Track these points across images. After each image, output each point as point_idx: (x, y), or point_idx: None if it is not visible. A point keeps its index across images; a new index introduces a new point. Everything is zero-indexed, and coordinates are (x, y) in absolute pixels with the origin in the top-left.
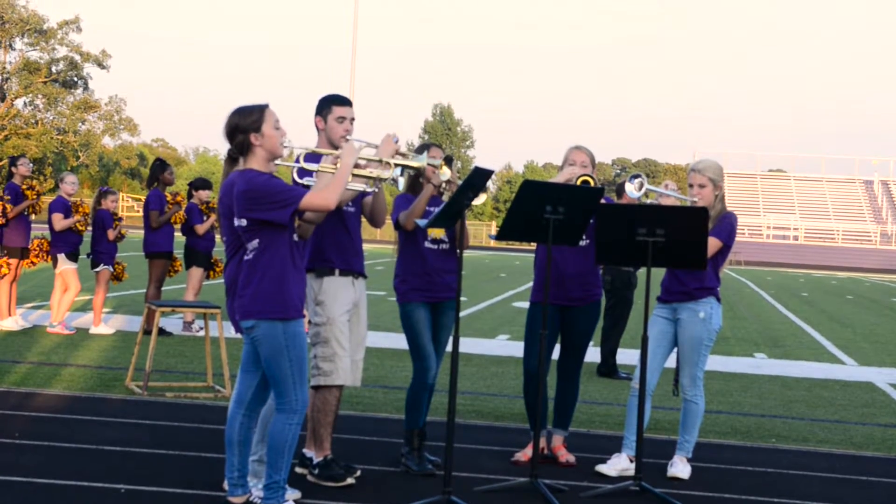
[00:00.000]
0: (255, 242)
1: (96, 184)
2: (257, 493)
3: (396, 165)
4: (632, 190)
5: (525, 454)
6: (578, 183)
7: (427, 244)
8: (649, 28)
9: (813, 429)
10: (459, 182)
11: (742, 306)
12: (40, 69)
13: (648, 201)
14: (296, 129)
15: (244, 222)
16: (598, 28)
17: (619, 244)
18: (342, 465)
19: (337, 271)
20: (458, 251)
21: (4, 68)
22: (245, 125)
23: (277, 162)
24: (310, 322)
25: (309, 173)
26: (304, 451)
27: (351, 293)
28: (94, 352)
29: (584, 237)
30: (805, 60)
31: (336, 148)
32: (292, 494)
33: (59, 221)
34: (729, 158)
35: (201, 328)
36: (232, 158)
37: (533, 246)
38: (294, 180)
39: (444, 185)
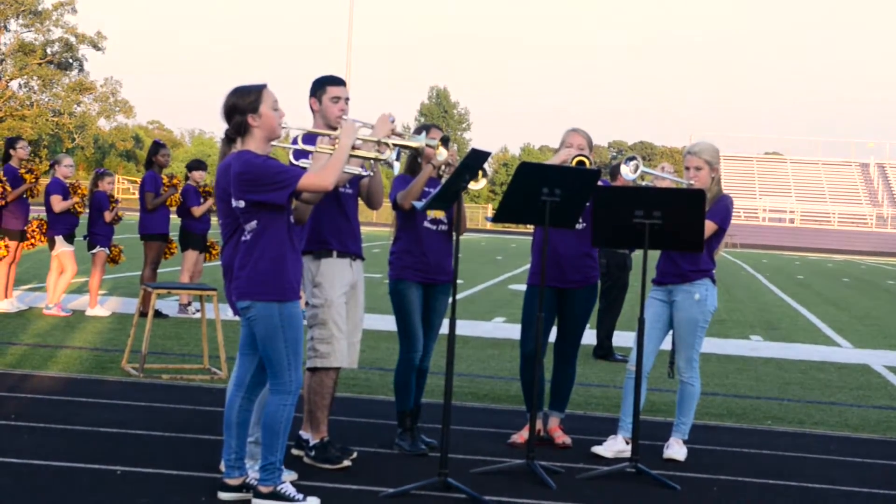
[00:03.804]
0: (254, 224)
1: (92, 166)
2: (254, 475)
3: (394, 146)
4: (627, 172)
5: (521, 436)
6: (574, 164)
7: (426, 224)
8: (646, 12)
9: (808, 411)
10: (458, 162)
11: (738, 289)
12: (35, 51)
13: (644, 183)
14: (289, 112)
15: (242, 204)
16: (594, 11)
17: (616, 226)
18: (338, 448)
19: (335, 253)
20: (455, 234)
21: None
22: (243, 106)
23: (274, 143)
24: (307, 304)
25: (305, 155)
26: (301, 433)
27: (348, 275)
28: (90, 334)
29: (581, 220)
30: (801, 44)
31: (332, 128)
32: (289, 476)
33: (59, 203)
34: (725, 141)
35: (197, 310)
36: (229, 139)
37: (529, 228)
38: (290, 162)
39: (443, 167)
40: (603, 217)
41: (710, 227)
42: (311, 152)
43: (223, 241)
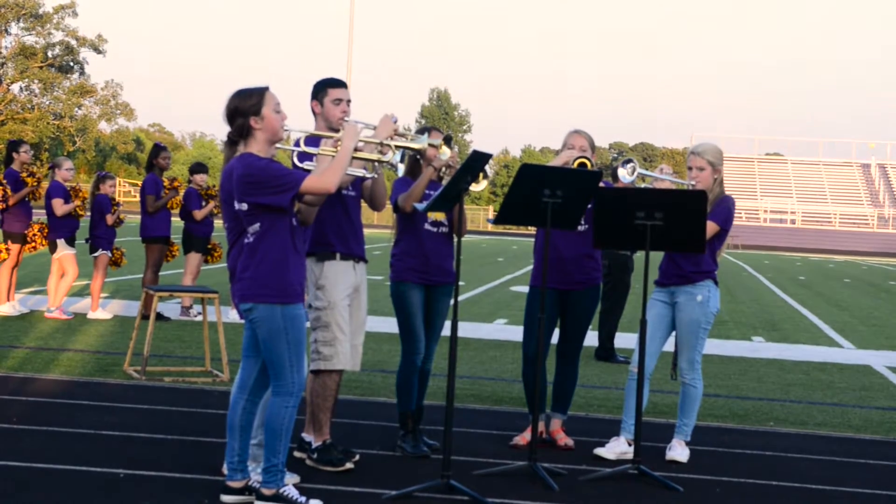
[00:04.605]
0: (257, 226)
1: (93, 169)
2: (256, 478)
3: (397, 147)
4: (624, 175)
5: (524, 438)
6: (575, 165)
7: (427, 226)
8: (647, 11)
9: (811, 412)
10: (459, 164)
11: (740, 290)
12: (36, 54)
13: (644, 185)
14: (290, 116)
15: (245, 206)
16: (595, 11)
17: (618, 228)
18: (341, 450)
19: (338, 255)
20: (456, 237)
21: (0, 53)
22: (245, 108)
23: (278, 146)
24: (310, 306)
25: (309, 157)
26: (303, 435)
27: (352, 277)
28: (91, 337)
29: (582, 221)
30: (802, 44)
31: (334, 130)
32: (291, 478)
33: (61, 207)
34: (726, 142)
35: (199, 313)
36: (232, 142)
37: (531, 230)
38: (294, 164)
39: (443, 168)
40: (604, 218)
41: (711, 228)
42: (314, 154)
43: (228, 244)
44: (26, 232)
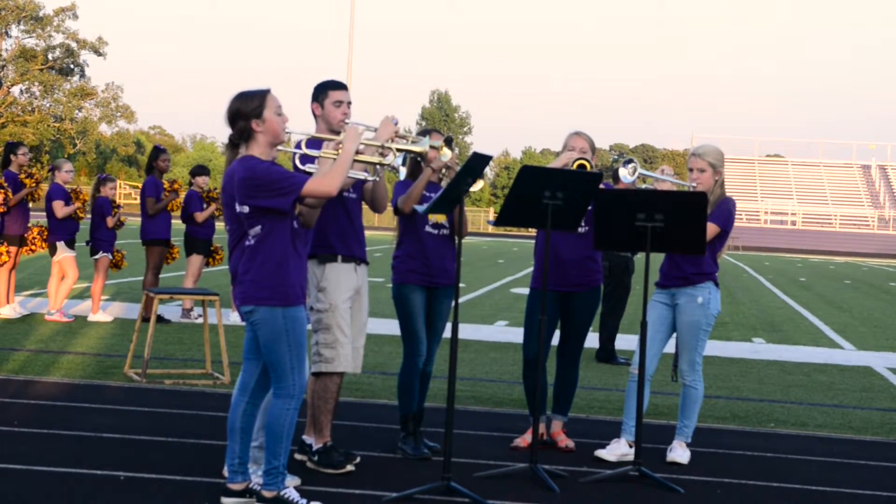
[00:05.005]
0: (258, 229)
1: (93, 171)
2: (257, 480)
3: (399, 150)
4: (625, 175)
5: (524, 440)
6: (575, 167)
7: (428, 228)
8: (648, 13)
9: (811, 413)
10: (458, 166)
11: (740, 291)
12: (37, 56)
13: (644, 186)
14: (291, 118)
15: (246, 209)
16: (596, 13)
17: (618, 229)
18: (341, 452)
19: (339, 258)
20: (457, 238)
21: (1, 56)
22: (246, 111)
23: (279, 148)
24: (311, 308)
25: (311, 160)
26: (304, 437)
27: (353, 279)
28: (92, 339)
29: (583, 223)
30: (802, 45)
31: (335, 133)
32: (292, 481)
33: (61, 209)
34: (727, 144)
35: (200, 315)
36: (233, 144)
37: (532, 232)
38: (295, 166)
39: (443, 170)
40: (605, 220)
41: (712, 229)
42: (315, 157)
43: (230, 246)
44: (25, 234)
